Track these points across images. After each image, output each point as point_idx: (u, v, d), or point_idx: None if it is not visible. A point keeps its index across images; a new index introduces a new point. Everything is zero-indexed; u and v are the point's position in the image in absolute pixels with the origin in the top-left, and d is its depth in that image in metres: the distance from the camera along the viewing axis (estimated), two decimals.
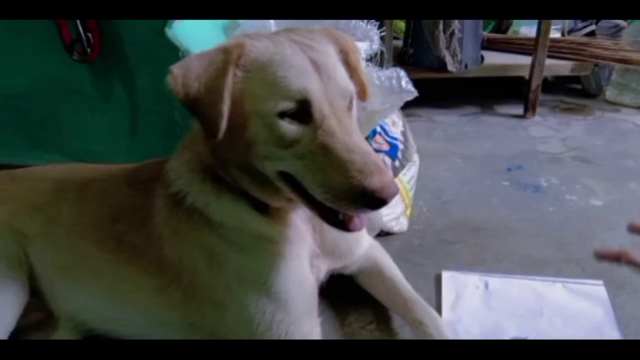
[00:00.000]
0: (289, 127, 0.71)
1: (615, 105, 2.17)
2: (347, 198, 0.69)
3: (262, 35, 0.80)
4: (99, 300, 0.94)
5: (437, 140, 1.90)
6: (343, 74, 0.79)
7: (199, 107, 0.72)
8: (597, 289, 1.12)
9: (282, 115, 0.71)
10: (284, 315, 0.84)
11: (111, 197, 0.96)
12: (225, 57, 0.72)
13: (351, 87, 0.79)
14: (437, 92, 2.26)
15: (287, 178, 0.76)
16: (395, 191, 0.69)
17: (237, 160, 0.78)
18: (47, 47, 1.27)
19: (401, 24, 2.16)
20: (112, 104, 1.30)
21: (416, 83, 1.92)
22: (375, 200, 0.67)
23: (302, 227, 0.91)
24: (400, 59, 2.03)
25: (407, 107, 2.04)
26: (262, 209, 0.85)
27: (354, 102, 0.81)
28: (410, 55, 2.00)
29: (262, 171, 0.77)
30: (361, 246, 1.06)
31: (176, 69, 0.73)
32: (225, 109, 0.70)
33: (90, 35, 1.23)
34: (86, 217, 0.95)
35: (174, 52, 1.03)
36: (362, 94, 0.88)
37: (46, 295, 0.96)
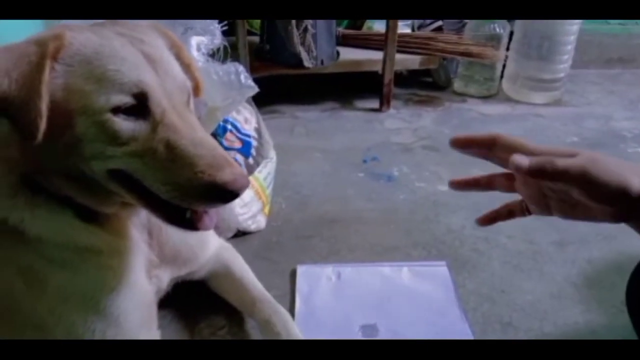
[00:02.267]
0: (124, 124, 0.65)
1: (462, 96, 2.33)
2: (197, 194, 0.65)
3: (83, 27, 0.72)
4: None
5: (299, 136, 1.91)
6: (178, 68, 0.75)
7: (11, 106, 0.63)
8: (440, 269, 1.18)
9: (116, 110, 0.65)
10: (117, 332, 0.78)
11: None
12: (40, 50, 0.64)
13: (188, 82, 0.76)
14: (298, 88, 2.28)
15: (120, 178, 0.70)
16: (247, 183, 0.67)
17: (59, 164, 0.70)
18: None
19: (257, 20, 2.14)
20: None
21: (275, 79, 1.93)
22: (228, 193, 0.65)
23: (136, 235, 0.85)
24: (258, 55, 2.01)
25: (269, 103, 2.07)
26: (90, 218, 0.78)
27: (192, 98, 0.78)
28: (267, 51, 1.99)
29: (89, 173, 0.70)
30: (207, 250, 1.02)
31: None
32: (44, 107, 0.62)
33: None
34: None
35: None
36: (196, 90, 0.85)
37: None
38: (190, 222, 0.72)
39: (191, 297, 1.06)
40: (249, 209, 1.30)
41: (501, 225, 1.34)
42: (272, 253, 1.27)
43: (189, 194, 0.66)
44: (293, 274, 1.18)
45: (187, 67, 0.80)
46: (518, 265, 1.23)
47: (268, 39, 1.99)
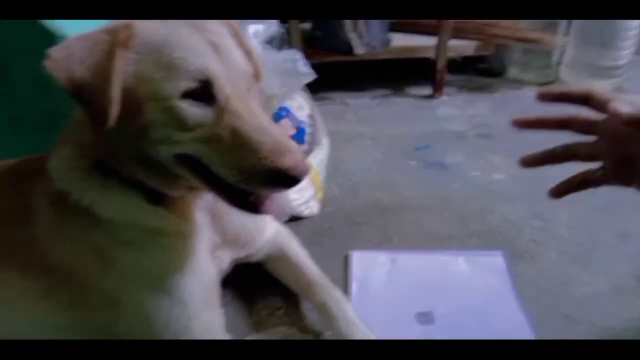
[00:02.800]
0: (191, 109, 0.68)
1: (518, 83, 2.26)
2: (260, 179, 0.67)
3: None
4: None
5: (349, 123, 1.91)
6: (240, 55, 0.76)
7: (85, 93, 0.66)
8: (496, 259, 1.17)
9: (183, 97, 0.67)
10: (182, 310, 0.81)
11: None
12: (112, 38, 0.67)
13: (249, 69, 0.77)
14: (349, 75, 2.28)
15: (187, 162, 0.72)
16: (307, 169, 0.69)
17: (129, 148, 0.74)
18: None
19: None
20: None
21: (327, 66, 1.93)
22: (290, 178, 0.67)
23: (200, 218, 0.88)
24: (309, 43, 2.01)
25: (320, 90, 2.08)
26: (158, 201, 0.81)
27: (253, 84, 0.79)
28: (319, 38, 1.99)
29: (157, 158, 0.73)
30: (265, 233, 1.04)
31: (56, 52, 0.67)
32: (115, 93, 0.66)
33: None
34: None
35: (51, 39, 0.95)
36: (256, 76, 0.86)
37: None
38: (253, 206, 0.75)
39: (250, 278, 1.09)
40: (302, 194, 1.32)
41: (560, 215, 1.33)
42: (324, 238, 1.28)
43: (253, 178, 0.68)
44: (345, 260, 1.19)
45: (247, 53, 0.82)
46: (577, 257, 1.19)
47: (320, 26, 1.99)
